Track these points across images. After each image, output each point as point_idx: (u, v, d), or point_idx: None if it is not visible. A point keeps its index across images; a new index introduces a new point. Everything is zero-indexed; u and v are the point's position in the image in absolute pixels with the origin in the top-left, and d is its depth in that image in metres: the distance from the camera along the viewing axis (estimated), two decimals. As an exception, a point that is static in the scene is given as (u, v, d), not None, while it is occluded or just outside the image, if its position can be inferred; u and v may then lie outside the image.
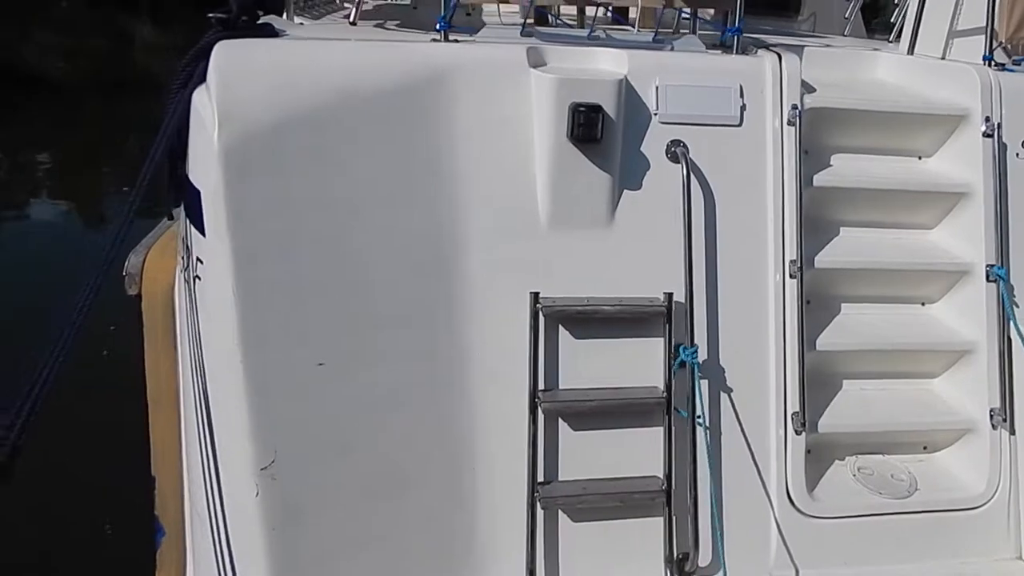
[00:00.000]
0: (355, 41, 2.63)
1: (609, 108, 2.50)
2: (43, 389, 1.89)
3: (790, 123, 2.68)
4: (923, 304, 2.94)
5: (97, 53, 24.46)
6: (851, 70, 3.17)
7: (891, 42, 4.50)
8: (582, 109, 2.47)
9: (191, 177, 2.45)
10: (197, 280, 2.40)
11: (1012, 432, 2.75)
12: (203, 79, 2.48)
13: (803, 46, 3.00)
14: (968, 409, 2.80)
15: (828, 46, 3.46)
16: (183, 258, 2.58)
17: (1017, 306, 2.78)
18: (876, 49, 3.52)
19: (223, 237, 2.26)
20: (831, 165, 2.83)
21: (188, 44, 2.54)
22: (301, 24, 3.77)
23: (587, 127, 2.48)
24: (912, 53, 3.35)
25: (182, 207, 2.67)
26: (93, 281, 2.12)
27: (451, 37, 2.71)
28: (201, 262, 2.38)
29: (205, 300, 2.39)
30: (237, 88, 2.31)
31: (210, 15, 2.48)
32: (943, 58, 3.38)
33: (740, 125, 2.68)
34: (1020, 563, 2.72)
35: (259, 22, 2.63)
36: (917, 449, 2.88)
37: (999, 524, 2.73)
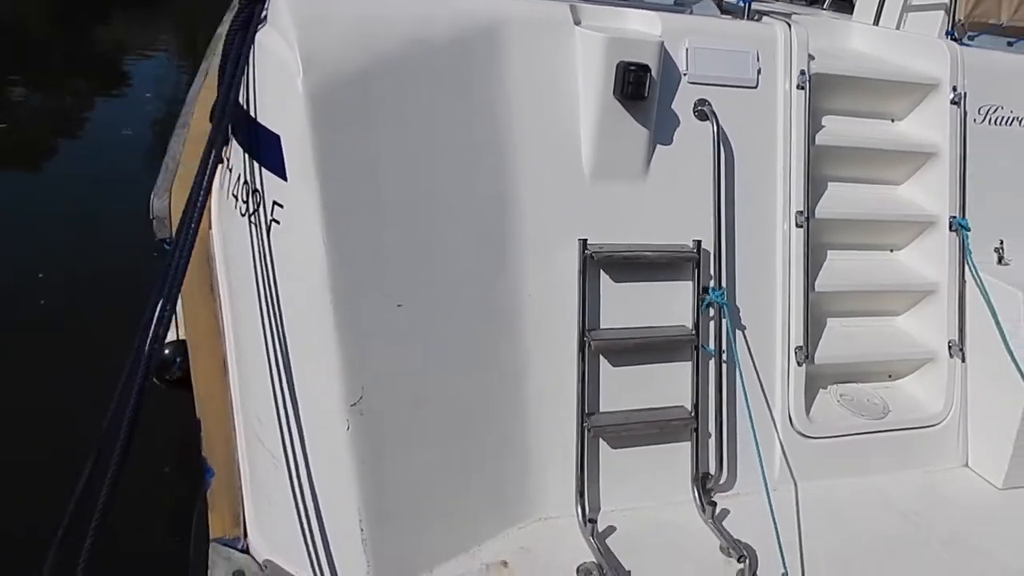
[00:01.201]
0: None
1: (653, 67, 2.68)
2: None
3: (799, 87, 2.95)
4: (891, 251, 3.35)
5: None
6: (830, 38, 3.48)
7: (824, 9, 4.88)
8: (632, 68, 2.63)
9: (263, 120, 2.43)
10: (275, 224, 2.40)
11: (963, 360, 3.23)
12: (263, 20, 2.47)
13: (791, 13, 3.28)
14: (929, 342, 3.25)
15: (795, 13, 3.76)
16: (244, 201, 2.56)
17: (971, 253, 3.22)
18: (833, 17, 3.86)
19: (311, 184, 2.28)
20: (824, 126, 3.14)
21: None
22: None
23: (636, 85, 2.63)
24: (877, 24, 3.71)
25: (240, 147, 2.63)
26: (186, 238, 2.13)
27: None
28: (280, 207, 2.38)
29: (285, 244, 2.40)
30: (318, 32, 2.30)
31: None
32: (897, 29, 3.76)
33: (756, 87, 2.93)
34: (966, 470, 3.22)
35: None
36: (883, 377, 3.31)
37: (951, 439, 3.21)
